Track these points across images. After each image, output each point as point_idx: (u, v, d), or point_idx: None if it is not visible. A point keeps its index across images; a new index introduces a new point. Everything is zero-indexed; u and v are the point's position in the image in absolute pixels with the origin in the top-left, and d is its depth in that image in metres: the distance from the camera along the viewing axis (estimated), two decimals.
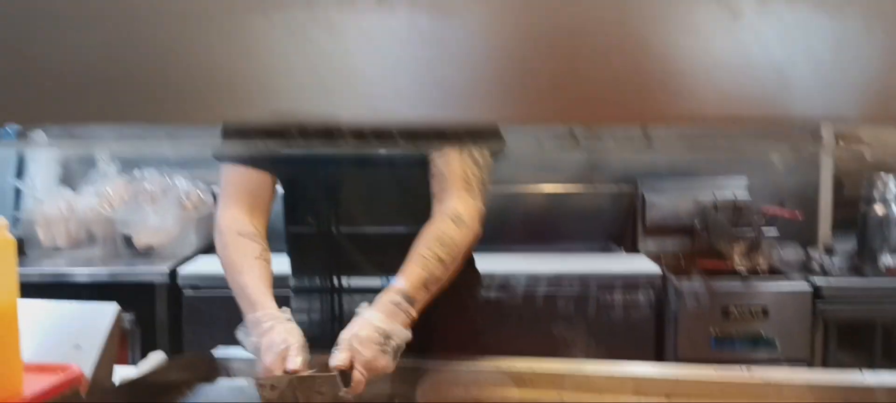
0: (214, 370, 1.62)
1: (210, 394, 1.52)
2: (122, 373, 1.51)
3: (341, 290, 1.68)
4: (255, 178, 1.62)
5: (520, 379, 1.56)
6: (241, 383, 1.58)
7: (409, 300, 1.40)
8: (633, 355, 2.70)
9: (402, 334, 1.37)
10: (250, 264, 1.51)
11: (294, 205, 1.72)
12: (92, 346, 1.28)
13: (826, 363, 2.93)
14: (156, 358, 1.74)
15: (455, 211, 1.53)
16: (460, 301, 1.71)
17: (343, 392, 1.29)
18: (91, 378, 1.26)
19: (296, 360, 1.32)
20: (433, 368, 1.58)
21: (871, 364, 3.25)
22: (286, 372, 1.32)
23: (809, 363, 2.88)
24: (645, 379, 1.57)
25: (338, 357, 1.32)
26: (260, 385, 1.30)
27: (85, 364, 1.27)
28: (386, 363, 1.34)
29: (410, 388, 1.53)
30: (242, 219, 1.57)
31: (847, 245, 3.45)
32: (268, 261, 1.56)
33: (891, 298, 2.89)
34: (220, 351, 1.66)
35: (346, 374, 1.31)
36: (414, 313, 1.41)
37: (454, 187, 1.55)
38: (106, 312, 1.32)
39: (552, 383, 1.56)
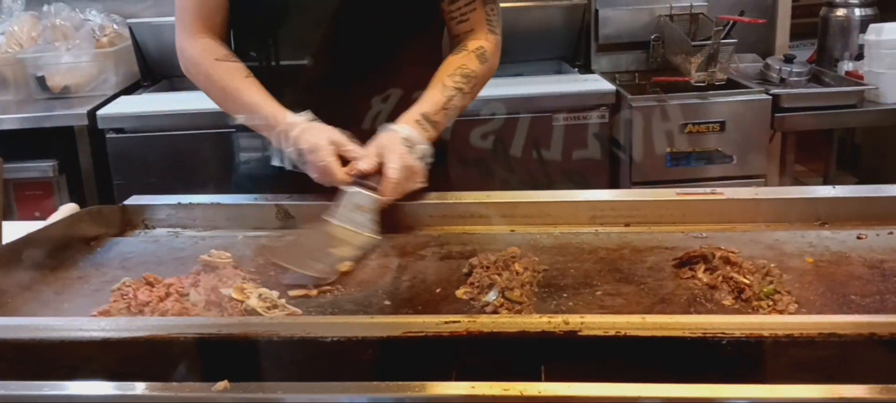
0: (129, 222, 1.46)
1: (123, 248, 1.36)
2: (24, 229, 1.35)
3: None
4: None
5: (470, 212, 1.43)
6: (162, 233, 1.43)
7: (430, 121, 1.42)
8: (586, 176, 2.61)
9: (426, 144, 1.39)
10: (246, 84, 1.46)
11: (235, 38, 1.61)
12: None
13: (783, 176, 2.87)
14: (66, 210, 1.58)
15: (480, 48, 1.55)
16: None
17: (378, 197, 1.30)
18: None
19: (368, 160, 1.29)
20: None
21: (827, 175, 3.23)
22: (355, 174, 1.30)
23: (766, 177, 2.81)
24: (602, 204, 1.45)
25: (365, 162, 1.30)
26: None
27: None
28: (413, 162, 1.34)
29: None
30: (213, 44, 1.52)
31: (805, 53, 3.35)
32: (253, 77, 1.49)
33: (850, 105, 2.80)
34: (137, 200, 1.50)
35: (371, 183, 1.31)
36: (433, 134, 1.42)
37: (479, 26, 1.57)
38: None
39: (504, 213, 1.45)
